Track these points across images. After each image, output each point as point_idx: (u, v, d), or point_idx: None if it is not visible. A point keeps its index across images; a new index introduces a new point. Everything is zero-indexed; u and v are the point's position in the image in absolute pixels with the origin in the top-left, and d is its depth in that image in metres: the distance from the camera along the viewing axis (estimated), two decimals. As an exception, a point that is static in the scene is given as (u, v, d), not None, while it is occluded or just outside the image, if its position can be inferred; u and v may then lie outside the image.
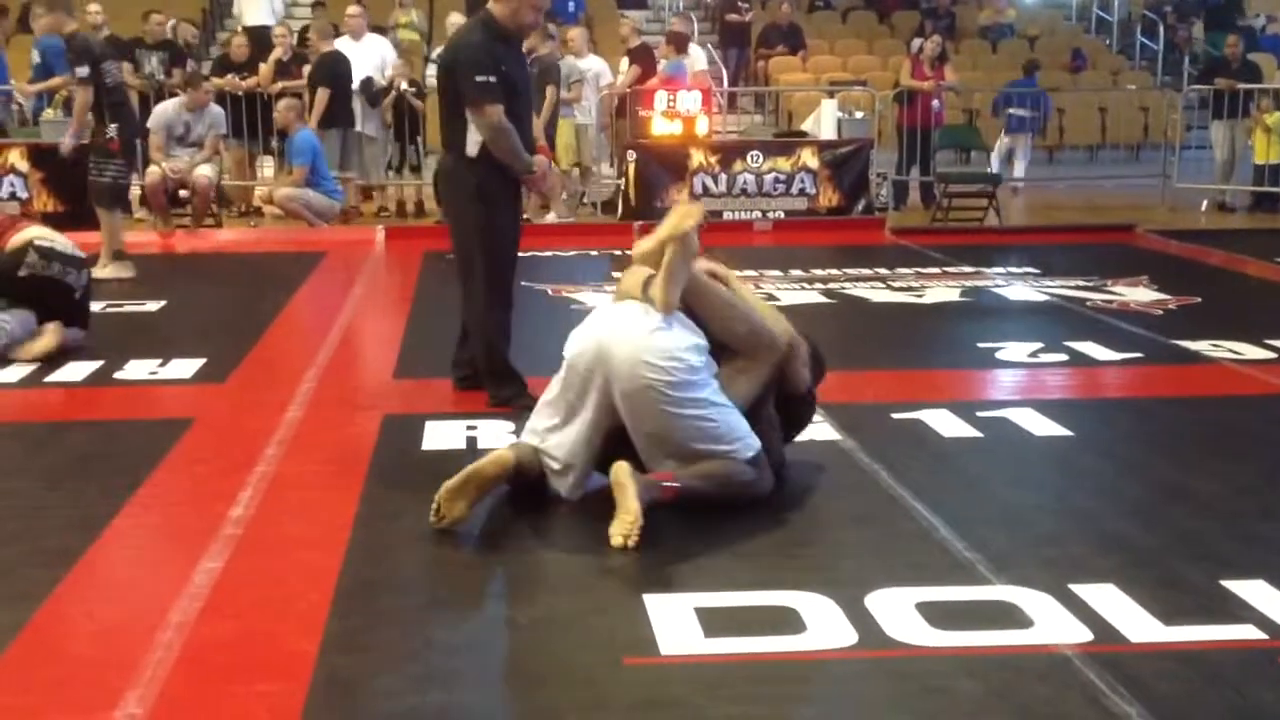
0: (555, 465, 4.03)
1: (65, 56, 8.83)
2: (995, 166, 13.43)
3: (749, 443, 4.00)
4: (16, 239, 6.14)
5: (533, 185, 5.30)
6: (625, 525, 3.67)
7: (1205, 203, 12.90)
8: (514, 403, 5.16)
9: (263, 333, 6.88)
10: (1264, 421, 5.24)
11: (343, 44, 12.12)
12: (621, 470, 3.76)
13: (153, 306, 7.47)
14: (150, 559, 3.79)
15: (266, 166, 12.57)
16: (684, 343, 3.93)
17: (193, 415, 5.20)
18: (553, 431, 4.03)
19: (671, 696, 2.88)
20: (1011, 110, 13.94)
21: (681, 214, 3.99)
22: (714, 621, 3.20)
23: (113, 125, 8.27)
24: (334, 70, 11.62)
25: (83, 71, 8.12)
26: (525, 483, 4.03)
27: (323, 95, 11.45)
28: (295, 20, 15.41)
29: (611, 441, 3.98)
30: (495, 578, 3.54)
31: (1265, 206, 12.74)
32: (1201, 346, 6.43)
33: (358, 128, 11.91)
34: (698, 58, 13.30)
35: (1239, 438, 4.96)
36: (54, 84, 11.67)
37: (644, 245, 4.14)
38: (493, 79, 4.99)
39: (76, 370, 5.89)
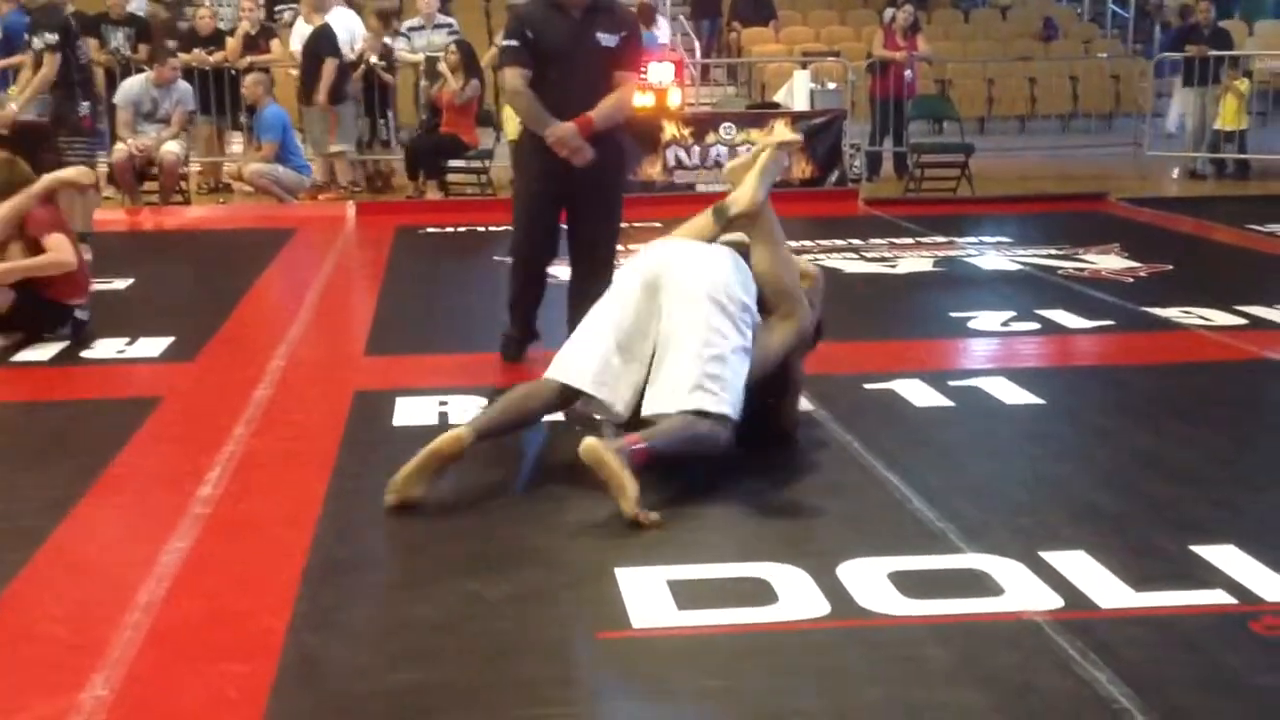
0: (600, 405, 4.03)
1: (30, 29, 8.63)
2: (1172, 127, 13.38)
3: (723, 409, 3.92)
4: None
5: (555, 149, 5.18)
6: (628, 505, 3.62)
7: (1176, 170, 12.93)
8: (504, 351, 5.50)
9: (232, 310, 6.83)
10: (1234, 387, 5.27)
11: (305, 27, 12.00)
12: (593, 448, 3.68)
13: (120, 285, 7.40)
14: (118, 539, 3.76)
15: (235, 142, 12.46)
16: (740, 278, 4.05)
17: (161, 394, 5.16)
18: (596, 377, 3.96)
19: (644, 669, 2.87)
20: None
21: (781, 131, 4.26)
22: (686, 594, 3.19)
23: (85, 103, 8.15)
24: (334, 41, 11.48)
25: (51, 38, 7.97)
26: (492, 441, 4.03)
27: (330, 66, 11.32)
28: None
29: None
30: (466, 554, 3.51)
31: (1233, 174, 12.78)
32: (1172, 313, 6.45)
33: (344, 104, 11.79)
34: (664, 31, 13.24)
35: (1209, 404, 4.97)
36: (16, 60, 11.52)
37: (736, 161, 4.34)
38: (515, 43, 5.14)
39: (44, 350, 5.83)
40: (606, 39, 5.13)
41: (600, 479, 3.68)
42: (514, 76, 5.17)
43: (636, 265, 4.16)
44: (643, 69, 11.67)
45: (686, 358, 3.90)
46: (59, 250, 5.87)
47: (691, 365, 3.89)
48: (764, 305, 4.19)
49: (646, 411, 3.94)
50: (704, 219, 4.26)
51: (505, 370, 5.42)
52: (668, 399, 3.90)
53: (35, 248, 5.87)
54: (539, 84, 5.14)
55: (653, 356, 3.99)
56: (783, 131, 4.13)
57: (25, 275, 5.83)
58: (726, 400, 3.91)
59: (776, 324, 4.19)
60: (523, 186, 5.46)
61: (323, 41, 11.49)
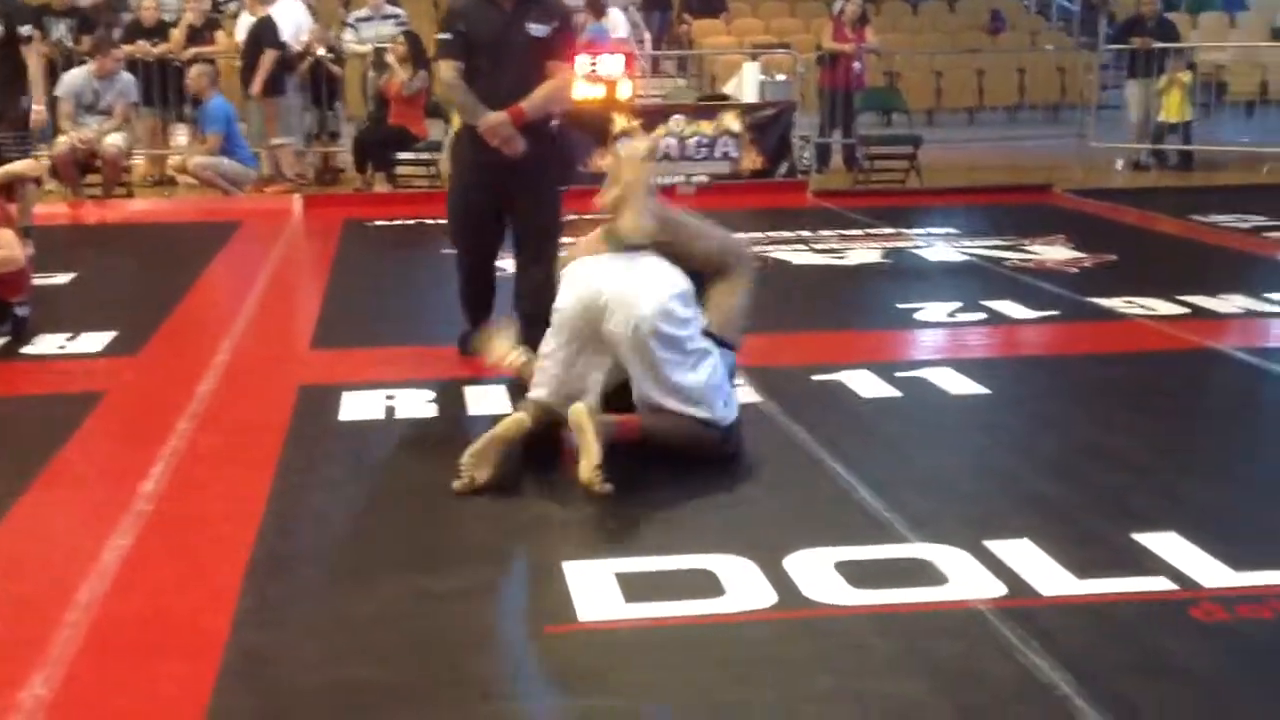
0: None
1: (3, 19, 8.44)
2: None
3: (724, 414, 4.08)
4: None
5: (487, 139, 5.19)
6: (587, 470, 3.71)
7: (1120, 162, 13.07)
8: (462, 347, 5.46)
9: (176, 304, 6.75)
10: (1176, 377, 5.33)
11: (249, 18, 11.89)
12: (579, 412, 3.81)
13: (62, 279, 7.29)
14: (59, 536, 3.70)
15: (179, 135, 12.32)
16: (673, 290, 4.02)
17: (104, 389, 5.10)
18: (562, 386, 4.04)
19: (592, 663, 2.87)
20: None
21: (631, 147, 4.20)
22: (634, 586, 3.19)
23: (25, 98, 8.01)
24: (276, 33, 11.38)
25: (28, 30, 7.81)
26: (536, 441, 4.07)
27: (269, 57, 11.22)
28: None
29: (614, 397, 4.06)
30: (413, 548, 3.50)
31: (1177, 165, 12.93)
32: (1116, 303, 6.52)
33: (287, 97, 11.69)
34: (618, 23, 13.22)
35: (1152, 393, 5.03)
36: None
37: (607, 194, 4.22)
38: (448, 36, 5.22)
39: (-18, 346, 5.75)
40: (537, 29, 5.18)
41: (575, 441, 3.79)
42: (447, 68, 5.25)
43: (574, 299, 4.08)
44: (593, 60, 11.70)
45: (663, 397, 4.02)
46: (8, 248, 5.78)
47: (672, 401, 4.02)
48: (710, 274, 4.26)
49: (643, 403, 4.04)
50: (600, 245, 4.21)
51: (456, 363, 5.39)
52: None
53: None
54: (472, 75, 5.20)
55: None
56: (631, 149, 4.13)
57: None
58: (722, 408, 4.07)
59: (724, 298, 4.24)
60: (456, 177, 5.49)
61: (264, 32, 11.39)
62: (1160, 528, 3.52)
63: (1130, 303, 6.51)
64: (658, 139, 4.33)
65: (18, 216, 6.95)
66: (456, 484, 3.83)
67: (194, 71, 11.06)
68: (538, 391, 4.10)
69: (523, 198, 5.28)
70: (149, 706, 2.68)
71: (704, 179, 11.54)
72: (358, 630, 3.01)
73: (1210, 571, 3.25)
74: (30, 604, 3.18)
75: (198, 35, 11.95)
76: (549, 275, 4.64)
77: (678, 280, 4.09)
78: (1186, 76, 12.69)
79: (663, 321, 3.95)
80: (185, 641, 2.96)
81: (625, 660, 2.87)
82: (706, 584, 3.21)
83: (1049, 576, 3.23)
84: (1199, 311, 6.35)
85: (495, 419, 4.37)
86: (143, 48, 11.72)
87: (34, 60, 7.90)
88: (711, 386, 4.06)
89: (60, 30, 11.90)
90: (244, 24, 11.84)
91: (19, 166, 6.59)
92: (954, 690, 2.71)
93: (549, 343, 4.11)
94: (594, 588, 3.19)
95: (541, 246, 5.27)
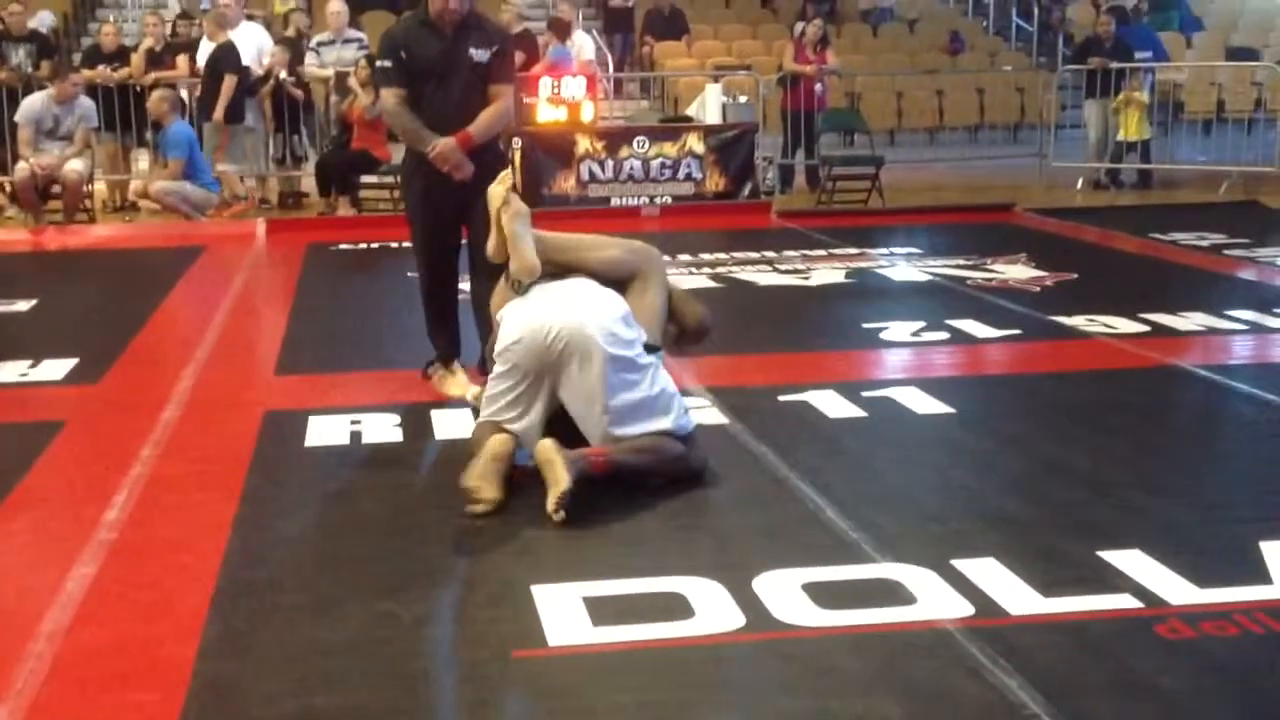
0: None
1: None
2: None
3: (683, 422, 4.16)
4: None
5: (437, 165, 5.22)
6: (554, 497, 3.75)
7: (1080, 181, 13.19)
8: (427, 370, 5.49)
9: (138, 331, 6.71)
10: (1137, 394, 5.37)
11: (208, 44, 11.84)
12: (546, 447, 3.85)
13: (23, 306, 7.24)
14: (21, 566, 3.66)
15: (141, 160, 12.25)
16: (615, 314, 4.09)
17: (64, 418, 5.05)
18: (515, 421, 4.07)
19: (561, 687, 2.86)
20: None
21: (491, 192, 4.24)
22: (602, 610, 3.19)
23: None
24: (237, 59, 11.35)
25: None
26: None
27: (230, 83, 11.18)
28: (164, 9, 15.04)
29: (557, 421, 4.10)
30: (379, 574, 3.48)
31: (1135, 183, 13.07)
32: (1078, 322, 6.57)
33: (246, 121, 11.65)
34: (585, 45, 13.24)
35: (1114, 410, 5.07)
36: None
37: (491, 245, 4.32)
38: (389, 63, 5.24)
39: (-59, 374, 5.69)
40: (479, 54, 5.23)
41: (544, 476, 3.82)
42: (389, 96, 5.30)
43: (521, 335, 4.08)
44: (555, 83, 11.71)
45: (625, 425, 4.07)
46: None
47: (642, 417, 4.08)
48: (624, 280, 4.33)
49: (599, 437, 4.05)
50: (510, 292, 4.25)
51: (422, 387, 5.37)
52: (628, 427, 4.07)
53: None
54: (416, 102, 5.23)
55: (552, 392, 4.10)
56: (498, 192, 4.18)
57: None
58: (678, 417, 4.12)
59: (641, 297, 4.28)
60: (412, 207, 5.46)
61: (225, 58, 11.36)
62: (1125, 545, 3.55)
63: (1092, 321, 6.57)
64: (508, 174, 4.30)
65: None
66: (477, 508, 3.85)
67: (155, 96, 11.01)
68: (501, 418, 4.10)
69: (476, 216, 5.29)
70: (114, 738, 2.66)
71: (667, 200, 11.59)
72: (324, 657, 2.99)
73: (1175, 588, 3.28)
74: (-8, 636, 3.15)
75: (158, 60, 11.90)
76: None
77: (616, 302, 4.16)
78: (1142, 96, 12.83)
79: (611, 345, 4.00)
80: (151, 671, 2.93)
81: (594, 684, 2.87)
82: (675, 606, 3.21)
83: (1016, 595, 3.24)
84: (1160, 329, 6.42)
85: (461, 443, 4.38)
86: (103, 73, 11.66)
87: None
88: (667, 395, 4.13)
89: (19, 56, 11.84)
90: (204, 50, 11.79)
91: None
92: (925, 711, 2.72)
93: (498, 382, 4.11)
94: (562, 611, 3.18)
95: (498, 267, 5.28)
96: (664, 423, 4.08)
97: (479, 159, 5.20)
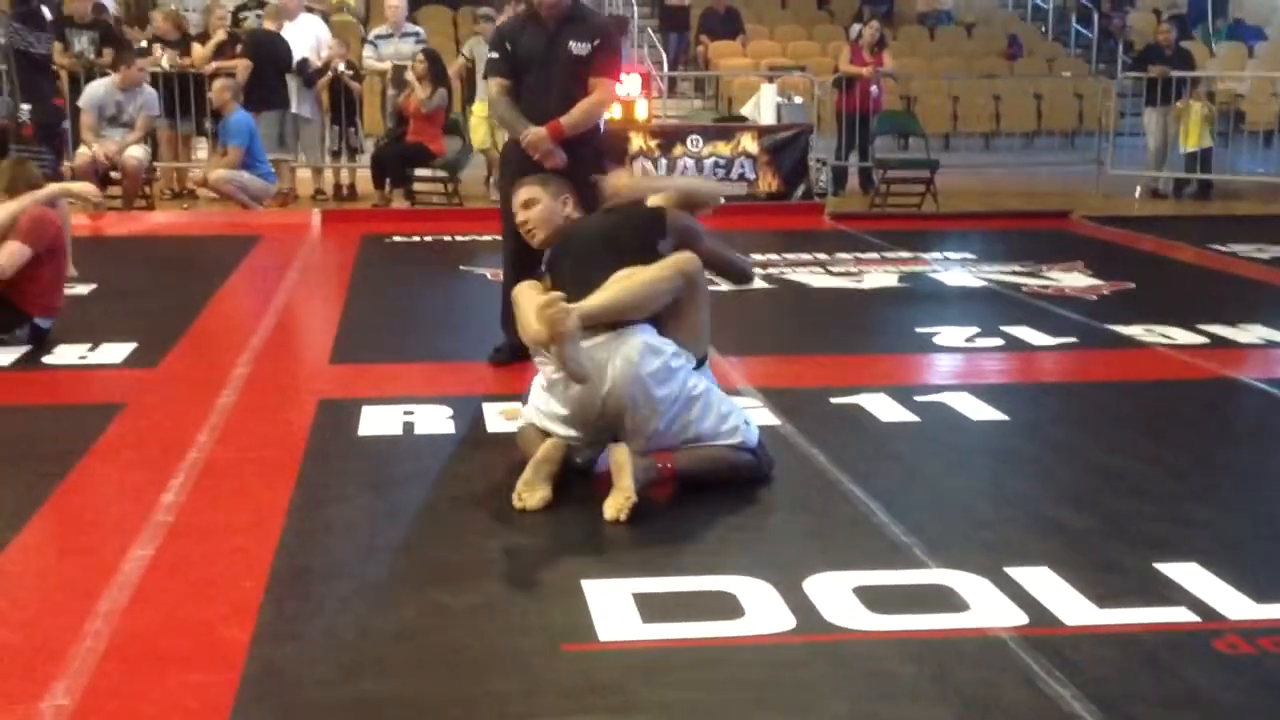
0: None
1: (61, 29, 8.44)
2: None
3: (748, 435, 4.11)
4: None
5: (529, 152, 5.36)
6: (619, 501, 3.75)
7: (1139, 189, 13.06)
8: (494, 355, 5.64)
9: (195, 317, 6.78)
10: (1196, 405, 5.31)
11: (257, 27, 11.95)
12: (621, 451, 3.84)
13: (83, 290, 7.33)
14: (79, 546, 3.72)
15: (200, 148, 12.38)
16: (657, 366, 3.95)
17: (124, 400, 5.11)
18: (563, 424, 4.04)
19: (609, 682, 2.86)
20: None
21: (545, 314, 3.77)
22: (652, 607, 3.19)
23: (25, 106, 8.00)
24: (263, 47, 11.46)
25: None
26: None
27: (244, 67, 11.28)
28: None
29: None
30: (431, 564, 3.50)
31: (1195, 194, 12.92)
32: (1135, 331, 6.51)
33: (293, 109, 11.75)
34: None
35: (1172, 422, 5.02)
36: None
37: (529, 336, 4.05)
38: (495, 55, 5.47)
39: (3, 355, 5.76)
40: (579, 47, 5.38)
41: (613, 479, 3.81)
42: (493, 85, 5.51)
43: (571, 411, 4.00)
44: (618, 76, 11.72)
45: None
46: (8, 256, 5.77)
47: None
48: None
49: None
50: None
51: (475, 379, 5.40)
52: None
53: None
54: (520, 91, 5.42)
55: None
56: (552, 316, 3.76)
57: None
58: (741, 430, 4.07)
59: (689, 302, 4.12)
60: (503, 194, 5.57)
61: (247, 44, 11.52)
62: (1181, 557, 3.51)
63: (1149, 331, 6.50)
64: (555, 300, 4.00)
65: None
66: (527, 507, 3.86)
67: (217, 85, 11.11)
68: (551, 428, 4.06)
69: None
70: (170, 716, 2.68)
71: (720, 200, 11.57)
72: (376, 644, 3.01)
73: (1232, 603, 3.24)
74: (51, 613, 3.19)
75: (219, 49, 12.02)
76: None
77: (657, 354, 3.97)
78: (1205, 105, 12.68)
79: (663, 400, 3.93)
80: (206, 653, 2.96)
81: (643, 680, 2.87)
82: (725, 606, 3.21)
83: (1070, 605, 3.21)
84: (1218, 341, 6.34)
85: (513, 436, 4.38)
86: (170, 57, 11.78)
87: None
88: (722, 415, 4.08)
89: (82, 43, 11.98)
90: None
91: (78, 187, 6.67)
92: (976, 719, 2.70)
93: (547, 414, 4.06)
94: (612, 607, 3.18)
95: None
96: (732, 438, 4.07)
97: (573, 150, 5.32)
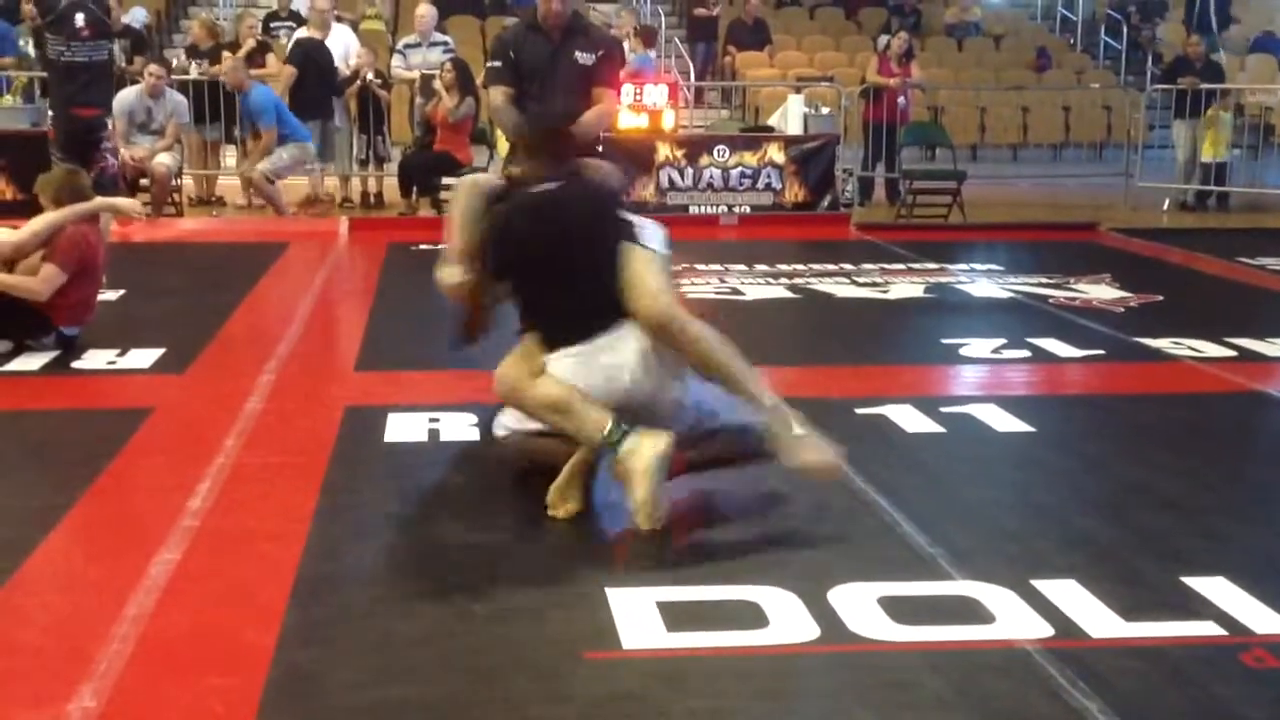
0: None
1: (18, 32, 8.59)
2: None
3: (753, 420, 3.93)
4: None
5: None
6: (648, 518, 3.68)
7: (1167, 202, 13.00)
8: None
9: (223, 323, 6.81)
10: (1225, 419, 5.28)
11: (304, 35, 12.01)
12: (645, 457, 3.70)
13: (111, 296, 7.35)
14: (106, 550, 3.74)
15: (229, 156, 12.45)
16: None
17: (152, 405, 5.14)
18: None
19: (632, 690, 2.86)
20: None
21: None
22: (676, 615, 3.19)
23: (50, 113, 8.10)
24: (310, 56, 11.51)
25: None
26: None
27: (288, 74, 11.34)
28: (259, 8, 15.30)
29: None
30: (456, 570, 3.51)
31: (1210, 206, 12.85)
32: (1163, 344, 6.47)
33: (335, 120, 11.80)
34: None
35: (1200, 435, 4.99)
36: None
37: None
38: (498, 63, 5.51)
39: (32, 360, 5.81)
40: (584, 57, 5.44)
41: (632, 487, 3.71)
42: (496, 94, 5.54)
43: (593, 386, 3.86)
44: (638, 90, 11.75)
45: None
46: (44, 281, 5.81)
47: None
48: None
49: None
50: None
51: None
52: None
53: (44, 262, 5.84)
54: (522, 101, 5.44)
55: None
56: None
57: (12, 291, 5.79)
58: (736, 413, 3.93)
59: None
60: None
61: (294, 51, 11.58)
62: (1208, 572, 3.49)
63: (1177, 344, 6.46)
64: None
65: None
66: (558, 515, 3.85)
67: (228, 66, 11.12)
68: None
69: None
70: (197, 719, 2.70)
71: (745, 210, 11.58)
72: (400, 650, 3.02)
73: (1260, 617, 3.21)
74: (78, 616, 3.21)
75: (250, 58, 12.10)
76: None
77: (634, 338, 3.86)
78: (1225, 115, 12.61)
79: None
80: (231, 657, 2.98)
81: (667, 689, 2.86)
82: (749, 615, 3.20)
83: (1097, 618, 3.20)
84: (1247, 354, 6.30)
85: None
86: (197, 67, 11.86)
87: None
88: (718, 400, 3.98)
89: (114, 50, 12.07)
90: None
91: (123, 203, 6.71)
92: (1001, 729, 2.69)
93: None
94: (636, 615, 3.18)
95: None
96: (723, 418, 3.96)
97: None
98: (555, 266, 3.95)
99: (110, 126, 8.72)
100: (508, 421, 4.16)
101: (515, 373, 3.90)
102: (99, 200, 6.26)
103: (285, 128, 10.91)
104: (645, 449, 3.68)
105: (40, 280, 5.79)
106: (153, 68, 10.92)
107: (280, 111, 10.90)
